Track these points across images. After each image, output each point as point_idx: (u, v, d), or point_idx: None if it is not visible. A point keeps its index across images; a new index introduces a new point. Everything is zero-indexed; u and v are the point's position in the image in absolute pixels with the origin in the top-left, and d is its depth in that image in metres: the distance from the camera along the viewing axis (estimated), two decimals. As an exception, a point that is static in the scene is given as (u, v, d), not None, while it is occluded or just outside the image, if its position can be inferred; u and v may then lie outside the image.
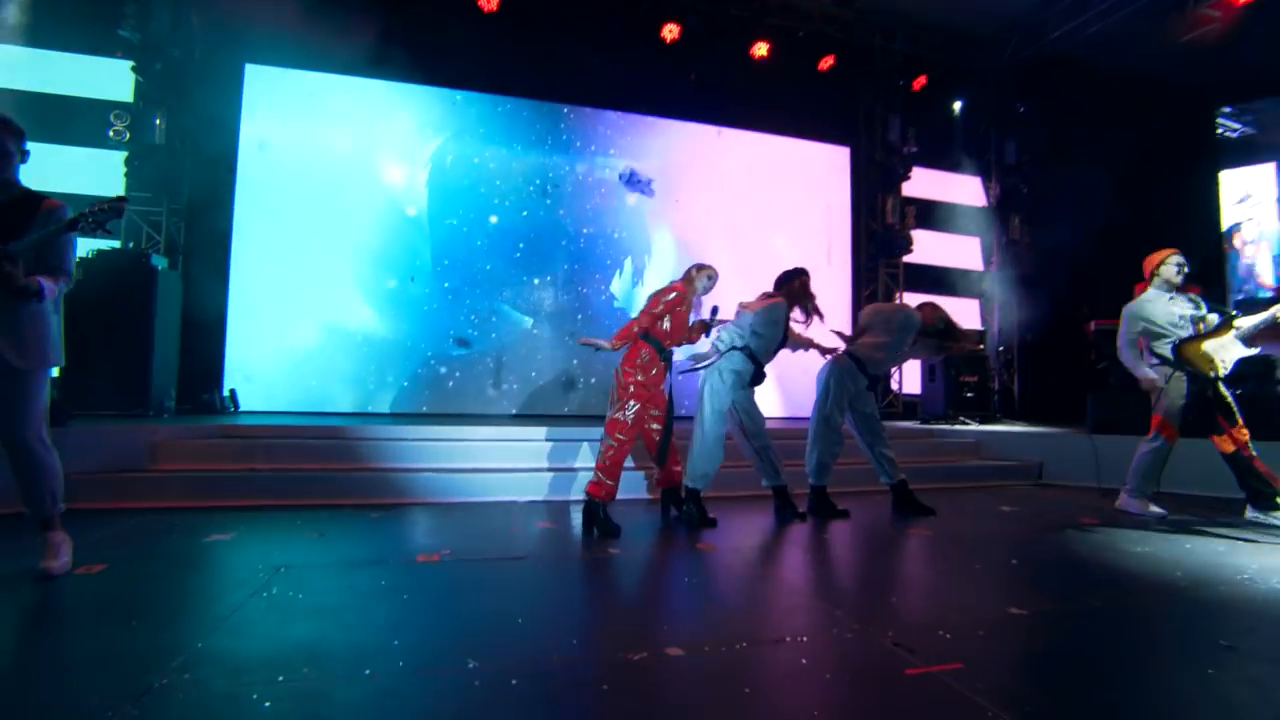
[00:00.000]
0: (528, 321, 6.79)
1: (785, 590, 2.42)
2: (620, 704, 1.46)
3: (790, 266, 3.64)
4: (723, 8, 7.08)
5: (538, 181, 6.92)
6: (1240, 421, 3.56)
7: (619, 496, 3.27)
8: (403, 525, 3.25)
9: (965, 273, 8.53)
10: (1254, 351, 3.64)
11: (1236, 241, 7.09)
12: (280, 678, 1.50)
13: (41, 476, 2.22)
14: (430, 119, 6.65)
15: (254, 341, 6.01)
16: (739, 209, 7.56)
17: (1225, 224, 7.16)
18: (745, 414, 3.55)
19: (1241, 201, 7.04)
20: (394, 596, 2.13)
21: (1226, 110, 7.19)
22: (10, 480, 2.22)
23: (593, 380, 6.79)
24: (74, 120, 5.63)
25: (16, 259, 2.01)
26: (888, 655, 1.71)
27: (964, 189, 8.65)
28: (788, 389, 7.31)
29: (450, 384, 6.51)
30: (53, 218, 2.15)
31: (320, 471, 3.85)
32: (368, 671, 1.54)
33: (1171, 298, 3.77)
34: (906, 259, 8.01)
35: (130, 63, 5.58)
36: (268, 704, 1.37)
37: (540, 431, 4.49)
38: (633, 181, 6.80)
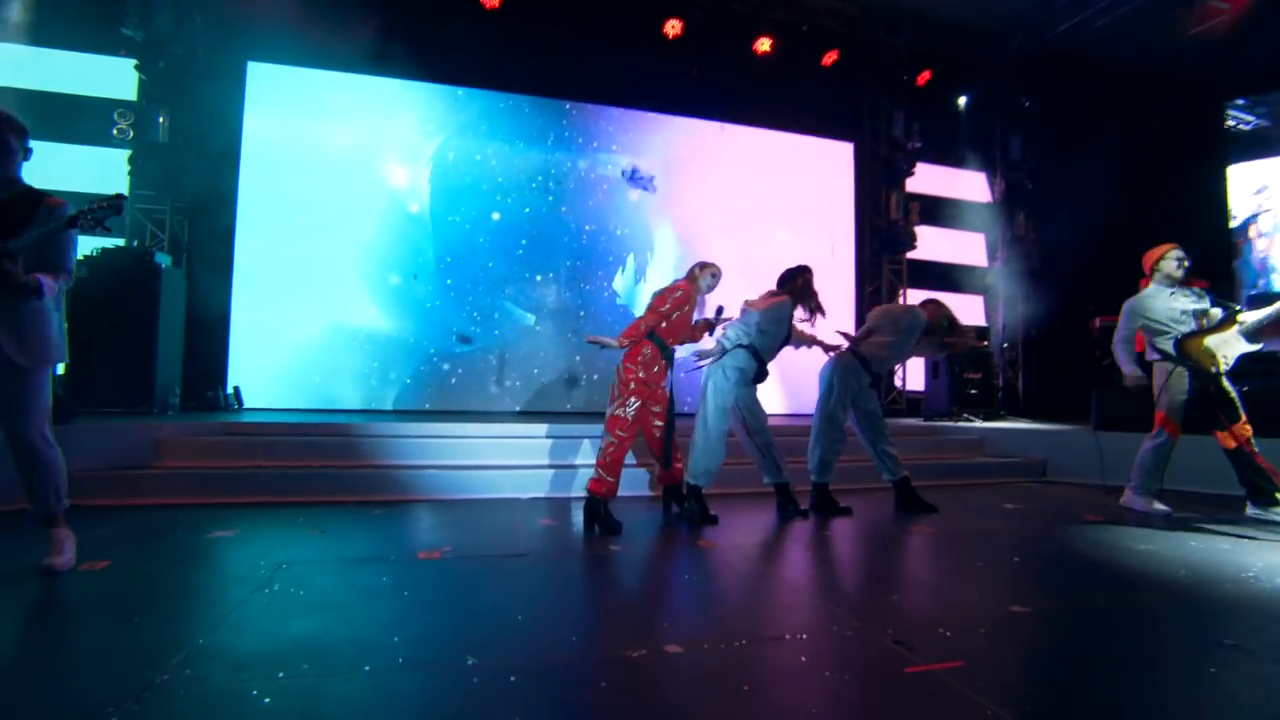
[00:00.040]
0: (530, 318, 6.79)
1: (786, 588, 2.41)
2: (619, 701, 1.46)
3: (793, 264, 3.64)
4: (725, 3, 7.05)
5: (540, 178, 6.91)
6: (1244, 417, 3.54)
7: (621, 493, 3.27)
8: (405, 522, 3.26)
9: (969, 269, 8.49)
10: (1257, 347, 3.61)
11: (1252, 233, 7.01)
12: (280, 674, 1.50)
13: (45, 473, 2.23)
14: (432, 116, 6.65)
15: (257, 339, 6.03)
16: (741, 205, 7.53)
17: (1234, 219, 7.09)
18: (748, 411, 3.55)
19: (1259, 192, 6.96)
20: (395, 593, 2.13)
21: (1239, 103, 7.12)
22: (14, 477, 2.23)
23: (595, 377, 6.79)
24: (78, 118, 5.66)
25: (16, 256, 2.02)
26: (888, 653, 1.71)
27: (968, 185, 8.60)
28: (790, 386, 7.29)
29: (453, 381, 6.52)
30: (53, 215, 2.15)
31: (323, 469, 3.86)
32: (367, 668, 1.54)
33: (1172, 292, 3.74)
34: (910, 255, 7.97)
35: (133, 61, 5.60)
36: (267, 700, 1.38)
37: (542, 428, 4.49)
38: (635, 178, 6.78)
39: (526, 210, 6.84)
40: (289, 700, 1.38)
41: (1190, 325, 3.66)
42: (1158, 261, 3.81)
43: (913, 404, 7.84)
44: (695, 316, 3.46)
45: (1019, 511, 3.87)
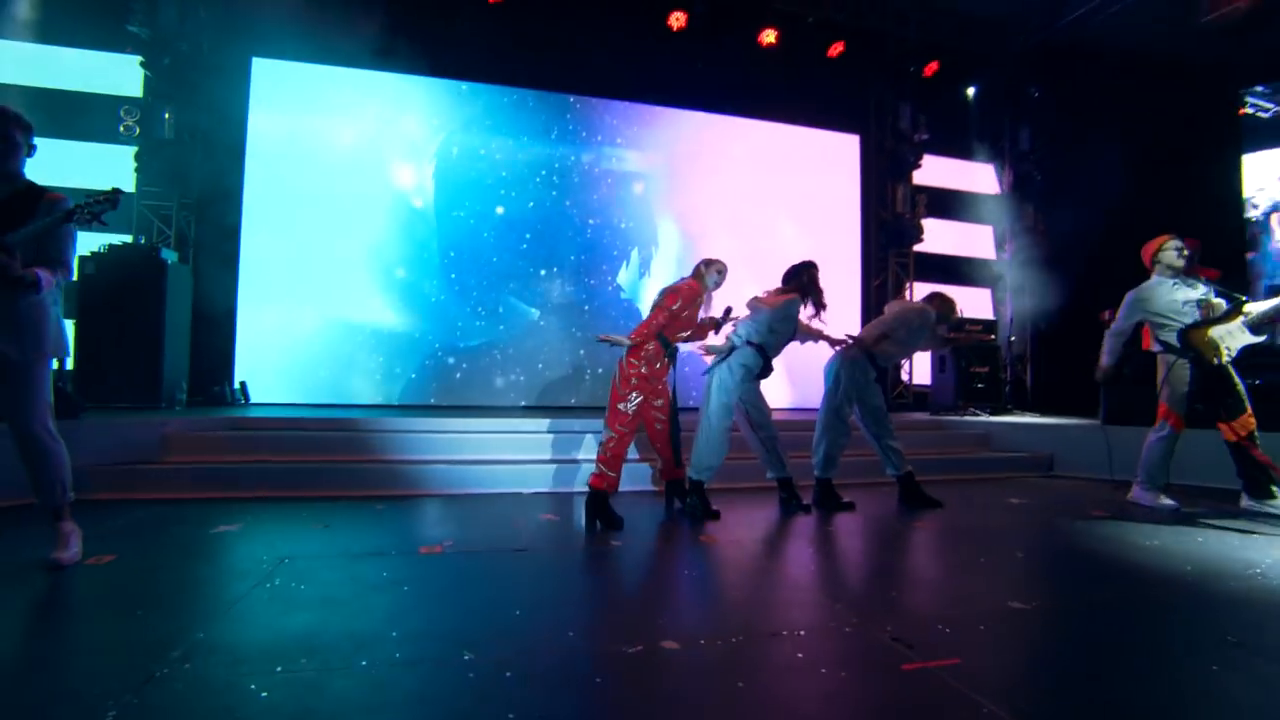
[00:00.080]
0: (535, 313, 6.79)
1: (786, 584, 2.41)
2: (613, 696, 1.46)
3: (799, 259, 3.62)
4: (730, -5, 6.99)
5: (544, 172, 6.90)
6: (1249, 410, 3.49)
7: (624, 488, 3.28)
8: (407, 517, 3.28)
9: (977, 261, 8.40)
10: (1261, 339, 3.56)
11: (1274, 222, 6.88)
12: (278, 668, 1.51)
13: (49, 466, 2.25)
14: (436, 111, 6.64)
15: (263, 334, 6.06)
16: (746, 198, 7.49)
17: (1255, 208, 6.96)
18: (752, 405, 3.56)
19: None
20: (395, 588, 2.15)
21: (1258, 90, 6.98)
22: (21, 471, 2.26)
23: (600, 371, 6.79)
24: (84, 115, 5.70)
25: (13, 250, 2.03)
26: (885, 650, 1.70)
27: (976, 176, 8.51)
28: (794, 380, 7.27)
29: (458, 375, 6.54)
30: (54, 210, 2.16)
31: (327, 463, 3.89)
32: (364, 662, 1.55)
33: (1175, 284, 3.69)
34: (917, 248, 7.90)
35: (139, 58, 5.63)
36: (264, 694, 1.39)
37: (545, 423, 4.50)
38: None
39: (531, 205, 6.83)
40: (285, 694, 1.39)
41: (1194, 316, 3.61)
42: (1157, 253, 3.77)
43: (919, 398, 7.79)
44: (701, 314, 3.45)
45: (1024, 507, 3.84)
